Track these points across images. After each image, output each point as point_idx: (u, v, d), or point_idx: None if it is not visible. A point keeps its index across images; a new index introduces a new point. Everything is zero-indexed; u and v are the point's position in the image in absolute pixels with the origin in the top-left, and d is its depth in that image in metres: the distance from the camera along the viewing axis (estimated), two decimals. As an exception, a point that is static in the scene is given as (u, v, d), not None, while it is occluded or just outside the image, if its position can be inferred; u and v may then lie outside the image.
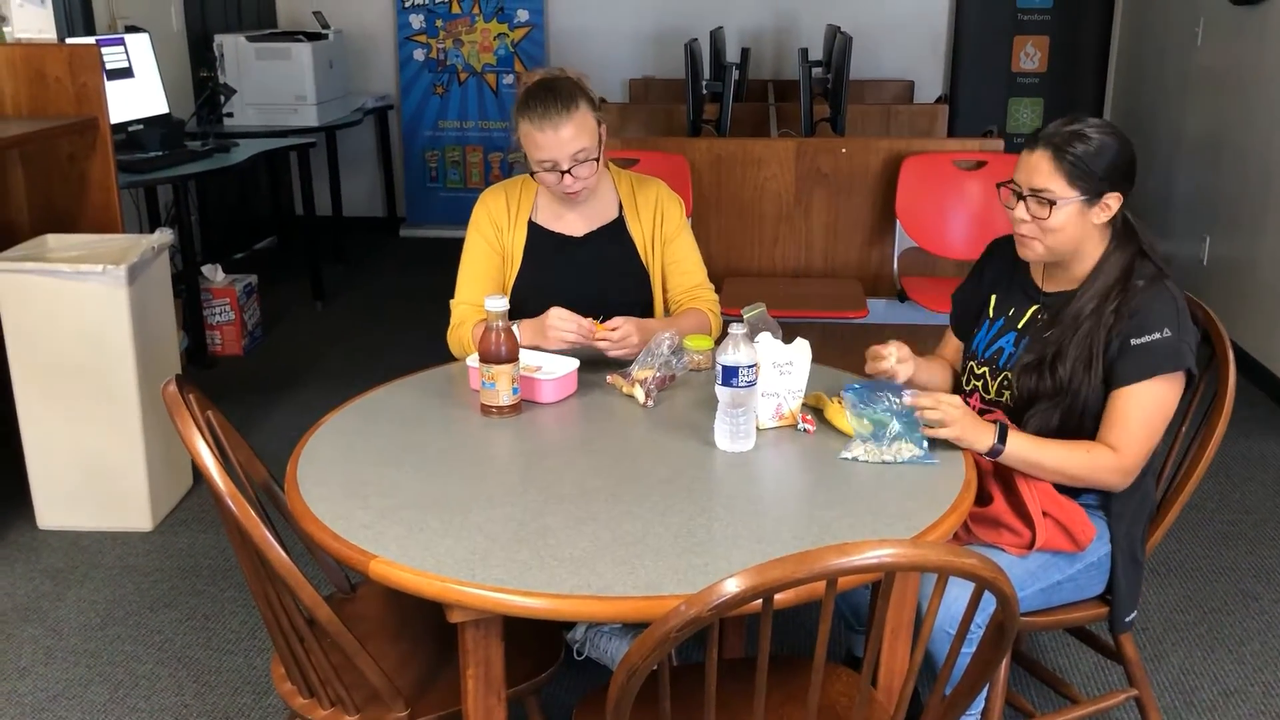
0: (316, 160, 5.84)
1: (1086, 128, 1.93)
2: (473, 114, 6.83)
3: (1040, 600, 2.01)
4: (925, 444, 1.85)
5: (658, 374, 2.10)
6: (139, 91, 4.65)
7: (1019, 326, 2.08)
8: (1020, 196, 1.96)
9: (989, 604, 1.29)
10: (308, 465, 1.83)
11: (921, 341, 2.29)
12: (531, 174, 2.37)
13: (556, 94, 2.27)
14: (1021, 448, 1.92)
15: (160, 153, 4.50)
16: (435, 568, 1.51)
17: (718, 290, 2.57)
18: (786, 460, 1.89)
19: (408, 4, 6.70)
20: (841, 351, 4.01)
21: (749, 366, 1.84)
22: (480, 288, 2.40)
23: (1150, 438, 1.92)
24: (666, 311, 2.51)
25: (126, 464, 3.22)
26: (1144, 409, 1.90)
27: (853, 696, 1.75)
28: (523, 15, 6.66)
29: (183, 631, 2.80)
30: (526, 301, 2.36)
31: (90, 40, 4.15)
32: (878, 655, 1.73)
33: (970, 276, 2.24)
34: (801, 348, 1.97)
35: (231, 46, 5.67)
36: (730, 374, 1.83)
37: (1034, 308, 2.07)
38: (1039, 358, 1.98)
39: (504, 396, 2.01)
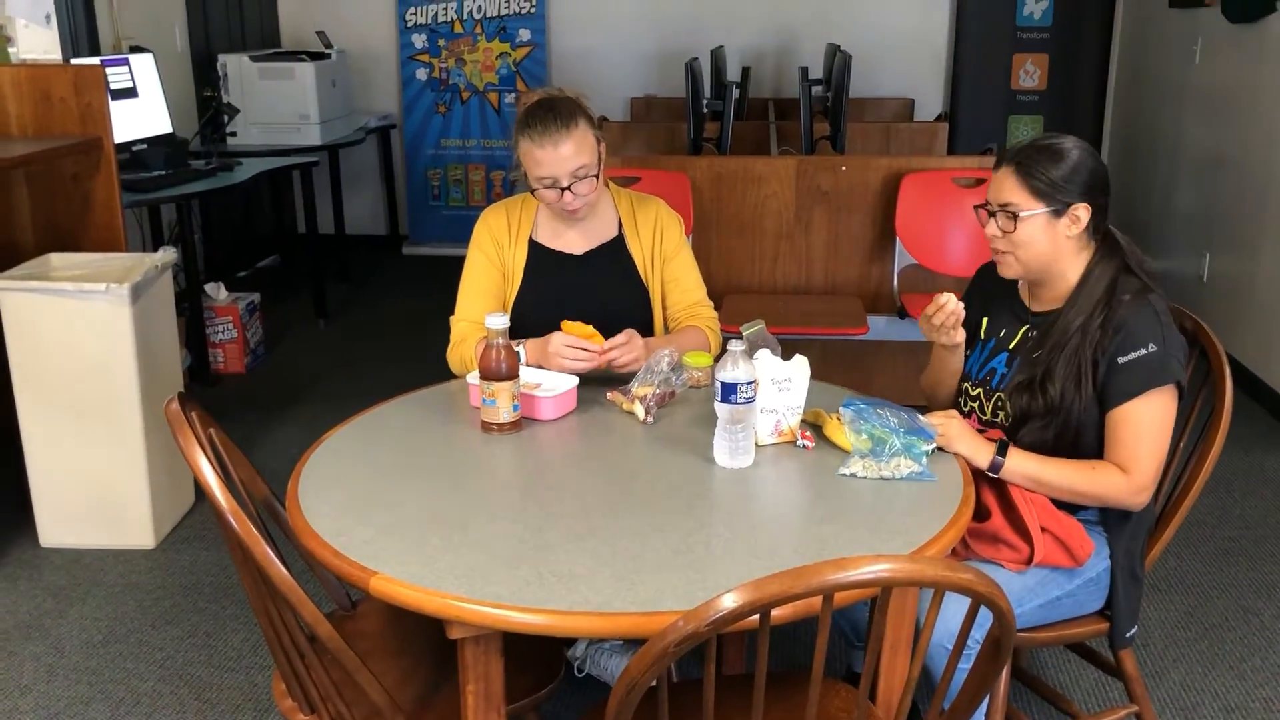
0: (319, 179, 5.86)
1: (1053, 143, 1.97)
2: (475, 133, 6.86)
3: (1039, 616, 2.01)
4: (924, 460, 1.86)
5: (657, 391, 2.11)
6: (143, 111, 4.68)
7: (1010, 347, 2.09)
8: (991, 214, 2.00)
9: (986, 619, 1.30)
10: (309, 482, 1.84)
11: (922, 358, 2.30)
12: (532, 191, 2.38)
13: (556, 112, 2.29)
14: (1023, 464, 1.93)
15: (164, 172, 4.52)
16: (435, 584, 1.51)
17: (717, 307, 2.59)
18: (785, 476, 1.90)
19: (410, 23, 6.74)
20: (843, 368, 4.04)
21: (748, 383, 1.85)
22: (481, 305, 2.42)
23: (1156, 453, 1.92)
24: (666, 329, 2.52)
25: (129, 482, 3.23)
26: (1142, 426, 1.91)
27: (851, 712, 1.75)
28: (525, 35, 6.69)
29: (184, 649, 2.81)
30: (526, 319, 2.38)
31: (95, 60, 4.18)
32: (876, 670, 1.73)
33: (963, 300, 2.26)
34: (800, 364, 1.98)
35: (235, 66, 5.70)
36: (729, 390, 1.84)
37: (1024, 328, 2.09)
38: (1029, 378, 2.00)
39: (504, 413, 2.02)
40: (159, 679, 2.68)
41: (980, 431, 2.01)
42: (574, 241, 2.48)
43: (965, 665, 1.47)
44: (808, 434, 1.99)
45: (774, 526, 1.73)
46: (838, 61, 5.03)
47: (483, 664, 1.58)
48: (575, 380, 2.15)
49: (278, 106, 5.71)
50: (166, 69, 5.10)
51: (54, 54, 3.95)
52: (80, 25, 4.78)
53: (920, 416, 1.92)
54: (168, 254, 3.42)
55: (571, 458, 2.01)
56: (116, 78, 4.48)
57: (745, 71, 6.22)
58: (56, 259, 3.36)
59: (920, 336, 4.03)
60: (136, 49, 4.98)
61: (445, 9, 6.69)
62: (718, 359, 1.96)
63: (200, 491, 3.53)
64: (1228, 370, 2.07)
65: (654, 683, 1.27)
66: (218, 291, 4.83)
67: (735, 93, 4.88)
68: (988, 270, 2.20)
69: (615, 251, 2.49)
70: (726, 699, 1.64)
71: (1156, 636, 2.83)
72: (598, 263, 2.48)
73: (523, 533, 1.66)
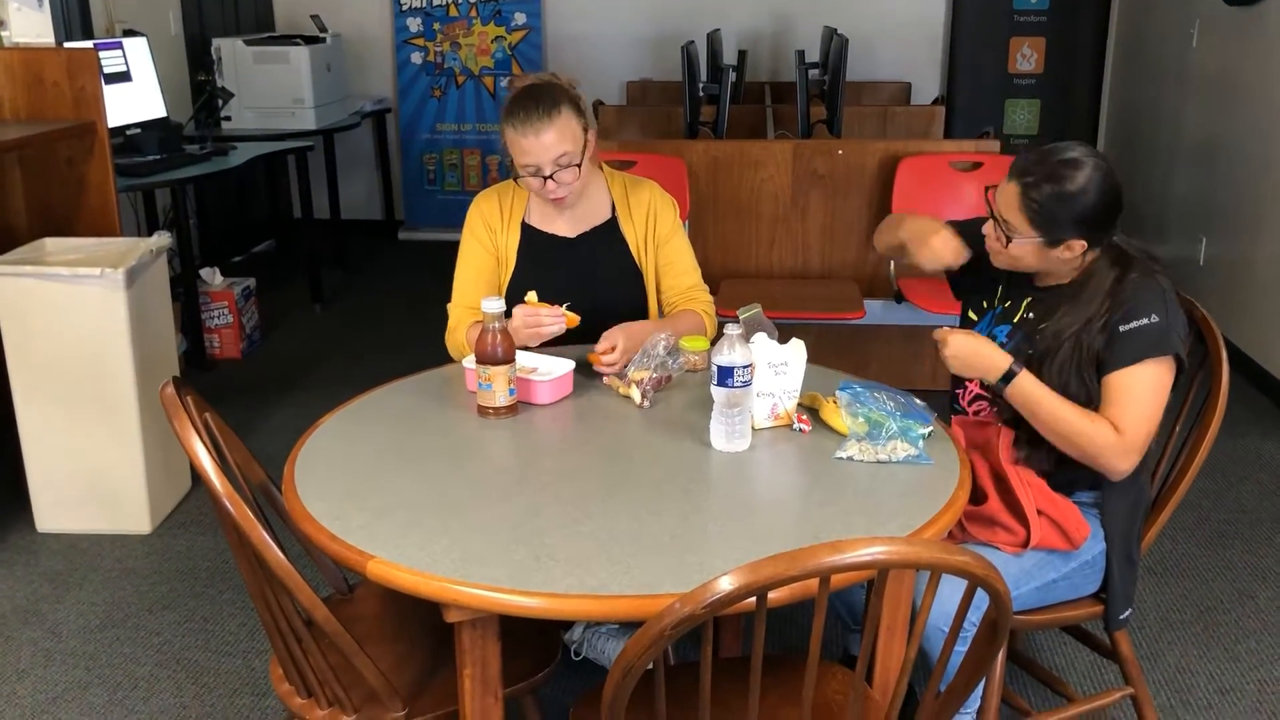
0: (314, 163, 5.84)
1: (1069, 170, 1.90)
2: (470, 117, 6.84)
3: (1035, 599, 2.01)
4: (920, 443, 1.86)
5: (654, 375, 2.11)
6: (137, 95, 4.66)
7: (1014, 320, 2.10)
8: (992, 215, 2.00)
9: (983, 601, 1.30)
10: (305, 467, 1.84)
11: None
12: (516, 179, 2.38)
13: (538, 100, 2.28)
14: (1031, 387, 1.92)
15: (158, 156, 4.50)
16: (432, 568, 1.51)
17: (714, 292, 2.58)
18: (782, 460, 1.90)
19: (405, 7, 6.71)
20: (839, 352, 4.04)
21: (744, 367, 1.85)
22: (476, 290, 2.42)
23: (1149, 418, 1.92)
24: (661, 313, 2.52)
25: (125, 467, 3.23)
26: (1138, 390, 1.91)
27: (848, 694, 1.76)
28: (520, 18, 6.67)
29: (181, 633, 2.81)
30: (521, 303, 2.37)
31: (88, 44, 4.16)
32: (872, 653, 1.74)
33: (976, 220, 2.18)
34: (797, 348, 1.98)
35: (229, 50, 5.67)
36: (726, 374, 1.84)
37: (1027, 300, 2.09)
38: (1026, 357, 1.99)
39: (500, 397, 2.02)
40: (156, 663, 2.69)
41: (979, 399, 2.02)
42: (566, 225, 2.48)
43: (961, 648, 1.48)
44: (804, 417, 1.99)
45: (770, 510, 1.74)
46: (834, 45, 5.01)
47: (480, 647, 1.58)
48: (571, 364, 2.15)
49: (272, 91, 5.68)
50: (160, 53, 5.07)
51: (47, 37, 3.92)
52: (73, 8, 4.75)
53: (917, 401, 1.91)
54: (162, 238, 3.41)
55: (568, 441, 2.01)
56: (110, 61, 4.45)
57: (741, 55, 6.19)
58: (51, 244, 3.35)
59: (916, 321, 4.04)
60: (130, 32, 4.95)
61: (440, -8, 6.67)
62: (714, 343, 1.96)
63: (196, 476, 3.52)
64: (1224, 354, 2.07)
65: (650, 665, 1.27)
66: (213, 276, 4.81)
67: (731, 76, 4.87)
68: None
69: (608, 234, 2.49)
70: (723, 682, 1.64)
71: (1152, 619, 2.84)
72: (591, 246, 2.47)
73: (519, 516, 1.66)
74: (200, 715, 2.49)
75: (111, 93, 4.10)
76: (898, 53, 6.66)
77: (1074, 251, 1.96)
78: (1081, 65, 6.60)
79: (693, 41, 5.14)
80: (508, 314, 2.25)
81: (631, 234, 2.49)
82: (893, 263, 4.12)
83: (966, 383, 2.15)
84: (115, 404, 3.17)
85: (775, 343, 1.98)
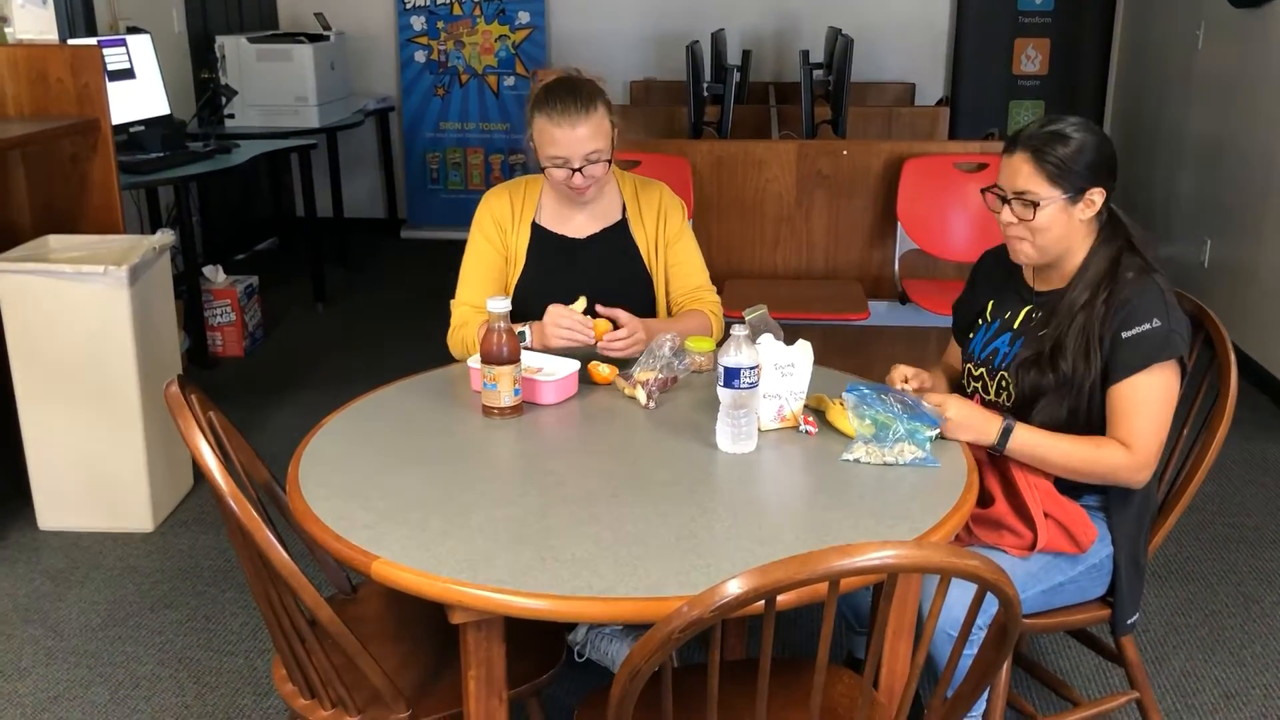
0: (318, 162, 5.84)
1: (1065, 127, 1.95)
2: (474, 116, 6.83)
3: (1042, 602, 2.01)
4: (927, 446, 1.85)
5: (659, 375, 2.10)
6: (140, 92, 4.66)
7: (1014, 327, 2.09)
8: (1005, 200, 1.98)
9: (990, 605, 1.29)
10: (309, 466, 1.83)
11: (924, 341, 2.30)
12: (542, 169, 2.36)
13: (576, 93, 2.28)
14: (1027, 440, 1.92)
15: (161, 154, 4.50)
16: (437, 569, 1.50)
17: (719, 292, 2.58)
18: (788, 462, 1.89)
19: (409, 5, 6.70)
20: (843, 353, 4.02)
21: (751, 368, 1.84)
22: (482, 289, 2.41)
23: (1158, 429, 1.91)
24: (669, 313, 2.51)
25: (127, 465, 3.22)
26: (1145, 401, 1.90)
27: (854, 698, 1.75)
28: (524, 17, 6.66)
29: (183, 632, 2.80)
30: (529, 303, 2.37)
31: (92, 41, 4.16)
32: (879, 657, 1.73)
33: (967, 287, 2.26)
34: (803, 349, 1.97)
35: (233, 48, 5.67)
36: (732, 375, 1.83)
37: (1027, 308, 2.08)
38: (1037, 353, 1.99)
39: (505, 398, 2.01)
40: (158, 662, 2.68)
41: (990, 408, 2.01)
42: (577, 225, 2.47)
43: (969, 652, 1.47)
44: (810, 419, 1.98)
45: (777, 512, 1.73)
46: (839, 45, 5.00)
47: (484, 649, 1.57)
48: (576, 364, 2.14)
49: (276, 89, 5.68)
50: (164, 50, 5.06)
51: (50, 34, 3.91)
52: (77, 5, 4.75)
53: (924, 402, 1.91)
54: (165, 236, 3.40)
55: (573, 442, 2.00)
56: (114, 59, 4.45)
57: (746, 55, 6.19)
58: (54, 241, 3.35)
59: (921, 322, 4.03)
60: (134, 30, 4.94)
61: (444, -9, 6.66)
62: (720, 344, 1.95)
63: (199, 475, 3.52)
64: (1232, 356, 2.06)
65: (657, 668, 1.26)
66: (216, 274, 4.81)
67: (736, 76, 4.86)
68: (993, 255, 2.20)
69: (619, 235, 2.48)
70: (728, 684, 1.63)
71: (1157, 623, 2.83)
72: (601, 246, 2.47)
73: (524, 517, 1.66)
74: (202, 714, 2.49)
75: (115, 90, 4.09)
76: (902, 53, 6.66)
77: (1094, 207, 1.96)
78: (1086, 67, 6.59)
79: (697, 41, 5.14)
80: (515, 316, 2.25)
81: (642, 235, 2.48)
82: (897, 263, 4.11)
83: (973, 383, 2.15)
84: (118, 402, 3.17)
85: (781, 344, 1.97)
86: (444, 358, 2.41)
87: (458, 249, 2.50)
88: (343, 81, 6.15)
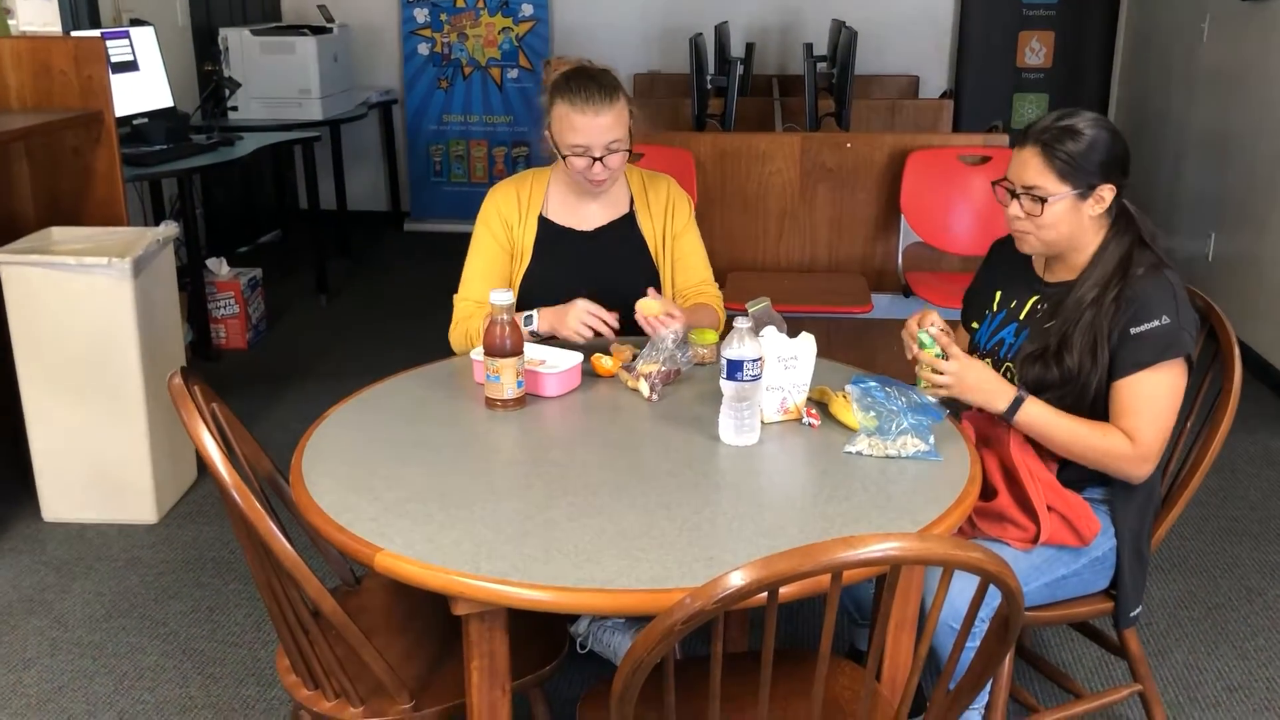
0: (321, 154, 5.84)
1: (1077, 122, 1.94)
2: (477, 108, 6.82)
3: (1045, 595, 2.01)
4: (930, 439, 1.85)
5: (662, 368, 2.10)
6: (144, 85, 4.65)
7: (1020, 318, 2.09)
8: (1014, 194, 1.98)
9: (993, 598, 1.29)
10: (313, 458, 1.83)
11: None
12: (558, 157, 2.35)
13: (600, 82, 2.27)
14: (1038, 413, 1.92)
15: (165, 146, 4.50)
16: (440, 560, 1.51)
17: (721, 284, 2.58)
18: (791, 454, 1.89)
19: (412, -2, 6.69)
20: (846, 346, 4.02)
21: (754, 360, 1.84)
22: (486, 285, 2.40)
23: (1163, 425, 1.92)
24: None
25: (131, 457, 3.22)
26: (1151, 396, 1.90)
27: (857, 690, 1.75)
28: (527, 9, 6.65)
29: (187, 624, 2.81)
30: (535, 296, 2.37)
31: (95, 33, 4.15)
32: (882, 649, 1.73)
33: (978, 276, 2.26)
34: (806, 342, 1.97)
35: (236, 40, 5.66)
36: (735, 368, 1.83)
37: (1034, 298, 2.08)
38: (1042, 348, 1.99)
39: (508, 390, 2.01)
40: (162, 653, 2.68)
41: None
42: (585, 218, 2.47)
43: (972, 644, 1.47)
44: (814, 412, 1.98)
45: (780, 504, 1.73)
46: (843, 38, 4.99)
47: (487, 640, 1.57)
48: (579, 357, 2.14)
49: (279, 81, 5.67)
50: (167, 42, 5.06)
51: (54, 26, 3.92)
52: (80, -3, 4.75)
53: (931, 399, 1.91)
54: (169, 228, 3.40)
55: (576, 434, 2.00)
56: (117, 51, 4.45)
57: (750, 48, 6.18)
58: (58, 233, 3.35)
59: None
60: (137, 22, 4.94)
61: (448, -17, 6.65)
62: (723, 336, 1.95)
63: (203, 467, 3.52)
64: (1237, 350, 2.06)
65: (659, 660, 1.26)
66: (219, 267, 4.81)
67: (739, 69, 4.85)
68: (1002, 244, 2.19)
69: (626, 228, 2.48)
70: (731, 676, 1.63)
71: (1160, 616, 2.83)
72: (608, 239, 2.46)
73: (528, 509, 1.66)
74: (206, 705, 2.49)
75: (118, 82, 4.09)
76: (906, 46, 6.64)
77: (1104, 203, 1.95)
78: (1091, 60, 6.58)
79: (700, 34, 5.13)
80: (519, 308, 2.25)
81: (649, 228, 2.48)
82: (901, 256, 4.11)
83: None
84: (121, 394, 3.17)
85: (784, 336, 1.97)
86: (447, 350, 2.42)
87: (461, 241, 2.50)
88: (346, 74, 6.14)
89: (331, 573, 2.09)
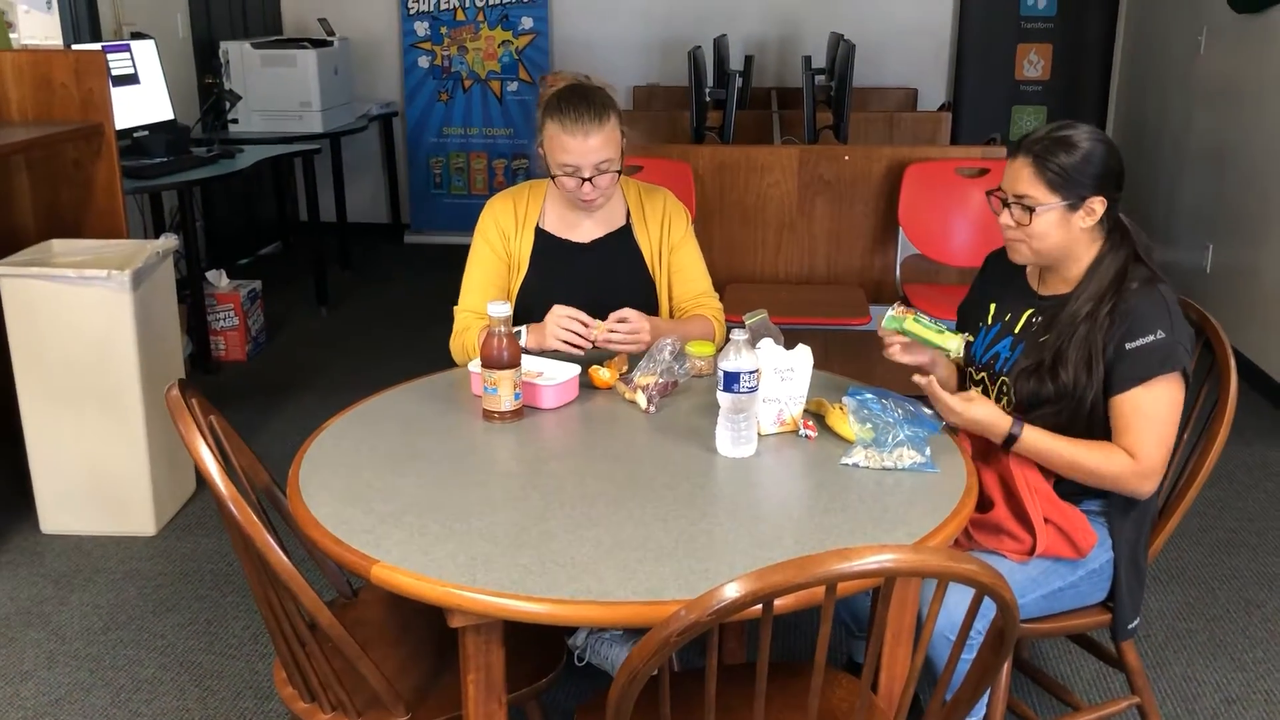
0: (321, 166, 5.85)
1: (1071, 134, 1.95)
2: (477, 121, 6.84)
3: (1042, 607, 2.00)
4: (927, 451, 1.85)
5: (660, 380, 2.10)
6: (144, 97, 4.67)
7: (1015, 331, 2.09)
8: (1006, 203, 1.99)
9: (989, 610, 1.30)
10: (310, 470, 1.84)
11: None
12: (553, 177, 2.36)
13: (590, 102, 2.27)
14: (1037, 440, 1.93)
15: (165, 158, 4.51)
16: (437, 572, 1.51)
17: (720, 297, 2.58)
18: (788, 466, 1.89)
19: (413, 11, 6.71)
20: (843, 358, 4.03)
21: (751, 372, 1.84)
22: (485, 296, 2.41)
23: (1165, 440, 1.92)
24: (672, 319, 2.52)
25: (130, 468, 3.23)
26: (1149, 412, 1.91)
27: (853, 702, 1.75)
28: (527, 23, 6.67)
29: (185, 636, 2.80)
30: (531, 308, 2.37)
31: (96, 46, 4.17)
32: (878, 661, 1.73)
33: (972, 289, 2.26)
34: (803, 354, 1.98)
35: (237, 53, 5.68)
36: (732, 380, 1.83)
37: (1029, 311, 2.08)
38: (1037, 363, 1.99)
39: (506, 402, 2.01)
40: (159, 666, 2.68)
41: None
42: (581, 230, 2.47)
43: (968, 656, 1.47)
44: (810, 424, 1.98)
45: (776, 516, 1.73)
46: (841, 51, 5.01)
47: (484, 653, 1.57)
48: (577, 369, 2.15)
49: (280, 94, 5.69)
50: (168, 55, 5.08)
51: (55, 39, 3.93)
52: (81, 10, 4.76)
53: (925, 409, 1.92)
54: (169, 241, 3.41)
55: (573, 446, 2.00)
56: (118, 63, 4.46)
57: (748, 60, 6.20)
58: (58, 245, 3.36)
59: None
60: (138, 35, 4.96)
61: (448, -4, 6.68)
62: (720, 349, 1.96)
63: (201, 479, 3.52)
64: (1233, 362, 2.07)
65: (655, 672, 1.26)
66: (219, 279, 4.82)
67: (738, 81, 4.87)
68: (997, 256, 2.20)
69: (622, 241, 2.48)
70: (727, 688, 1.63)
71: (1158, 628, 2.83)
72: (605, 252, 2.47)
73: (524, 521, 1.66)
74: (203, 718, 2.49)
75: (119, 95, 4.10)
76: (904, 59, 6.66)
77: (1095, 215, 1.96)
78: (1089, 72, 6.60)
79: (699, 47, 5.15)
80: (518, 320, 2.25)
81: (646, 241, 2.49)
82: (899, 268, 4.12)
83: (974, 387, 2.15)
84: (121, 406, 3.17)
85: (781, 348, 1.97)
86: (445, 362, 2.42)
87: (461, 254, 2.51)
88: (346, 87, 6.16)
89: (328, 585, 2.09)
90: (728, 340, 1.87)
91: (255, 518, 1.57)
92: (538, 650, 1.90)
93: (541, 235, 2.47)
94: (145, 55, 4.72)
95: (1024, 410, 2.00)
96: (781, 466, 1.89)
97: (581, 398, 2.15)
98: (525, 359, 2.10)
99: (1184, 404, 1.97)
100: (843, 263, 4.17)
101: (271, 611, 1.67)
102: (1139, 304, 1.92)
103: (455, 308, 2.47)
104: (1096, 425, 1.96)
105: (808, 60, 5.09)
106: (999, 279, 2.18)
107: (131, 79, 4.59)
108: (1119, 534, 2.02)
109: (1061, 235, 1.97)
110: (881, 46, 6.53)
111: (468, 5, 6.66)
